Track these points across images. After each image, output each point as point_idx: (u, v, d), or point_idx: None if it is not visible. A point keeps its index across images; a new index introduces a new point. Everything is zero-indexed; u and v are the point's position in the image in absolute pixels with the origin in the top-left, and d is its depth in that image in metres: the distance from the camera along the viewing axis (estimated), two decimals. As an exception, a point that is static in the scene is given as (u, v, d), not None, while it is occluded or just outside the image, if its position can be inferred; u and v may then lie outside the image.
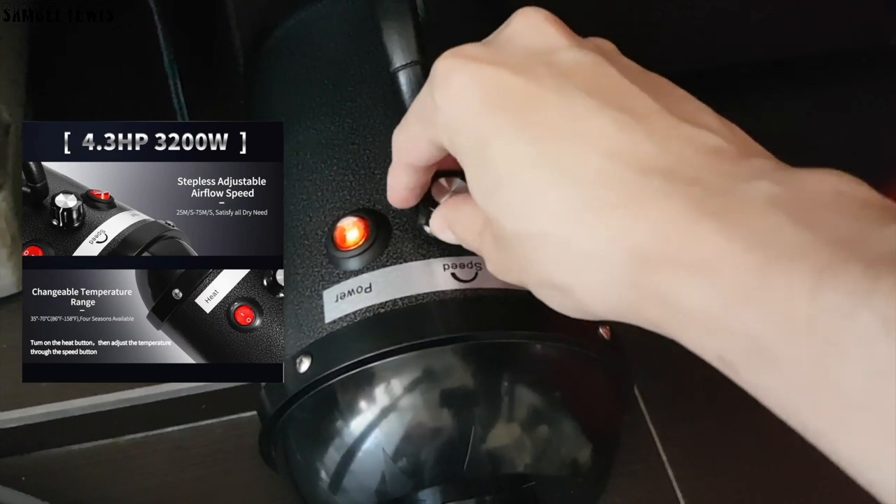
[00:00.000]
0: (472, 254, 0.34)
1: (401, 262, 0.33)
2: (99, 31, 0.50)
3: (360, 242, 0.34)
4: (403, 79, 0.34)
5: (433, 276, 0.33)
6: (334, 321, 0.33)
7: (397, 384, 0.32)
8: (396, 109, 0.34)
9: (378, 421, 0.32)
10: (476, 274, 0.33)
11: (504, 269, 0.28)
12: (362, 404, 0.32)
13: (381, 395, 0.32)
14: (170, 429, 0.46)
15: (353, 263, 0.34)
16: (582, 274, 0.23)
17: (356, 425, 0.32)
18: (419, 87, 0.34)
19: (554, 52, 0.25)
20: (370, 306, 0.33)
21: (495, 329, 0.32)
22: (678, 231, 0.20)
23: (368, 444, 0.32)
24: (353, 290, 0.33)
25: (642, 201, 0.21)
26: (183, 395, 0.45)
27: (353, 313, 0.33)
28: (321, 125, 0.38)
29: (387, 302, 0.33)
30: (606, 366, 0.35)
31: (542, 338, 0.32)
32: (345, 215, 0.35)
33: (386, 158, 0.36)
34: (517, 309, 0.33)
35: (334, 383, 0.32)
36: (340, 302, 0.33)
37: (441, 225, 0.32)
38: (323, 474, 0.34)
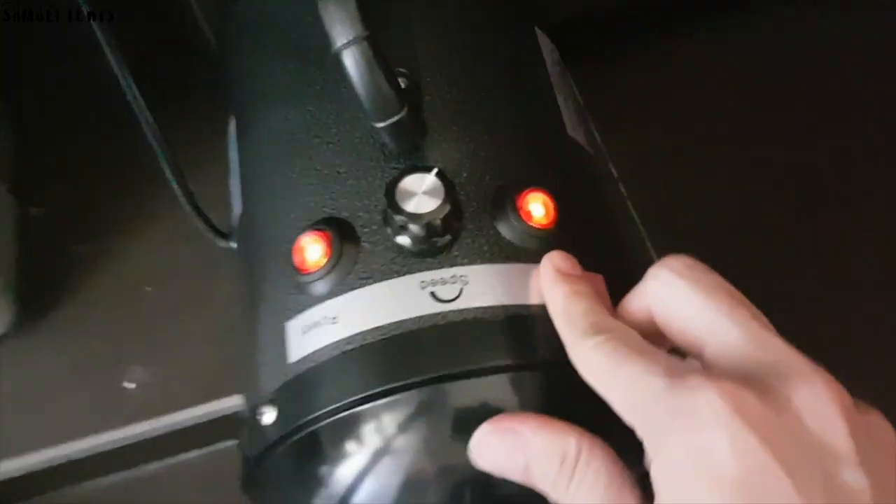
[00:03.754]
0: (454, 264, 0.27)
1: (370, 283, 0.27)
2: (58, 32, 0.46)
3: (323, 263, 0.28)
4: (349, 59, 0.27)
5: (408, 298, 0.27)
6: (299, 361, 0.28)
7: (369, 436, 0.26)
8: (349, 94, 0.28)
9: (354, 475, 0.27)
10: (460, 291, 0.27)
11: None
12: (332, 459, 0.27)
13: (352, 448, 0.26)
14: (188, 455, 0.43)
15: (318, 288, 0.28)
16: None
17: (331, 480, 0.27)
18: (368, 67, 0.27)
19: (839, 464, 0.20)
20: (336, 342, 0.27)
21: (481, 363, 0.26)
22: None
23: (344, 500, 0.27)
24: (317, 322, 0.28)
25: None
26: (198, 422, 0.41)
27: (319, 350, 0.27)
28: (282, 115, 0.32)
29: (354, 336, 0.27)
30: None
31: (537, 366, 0.26)
32: (304, 230, 0.29)
33: (352, 152, 0.30)
34: (509, 333, 0.26)
35: (300, 438, 0.27)
36: (305, 336, 0.28)
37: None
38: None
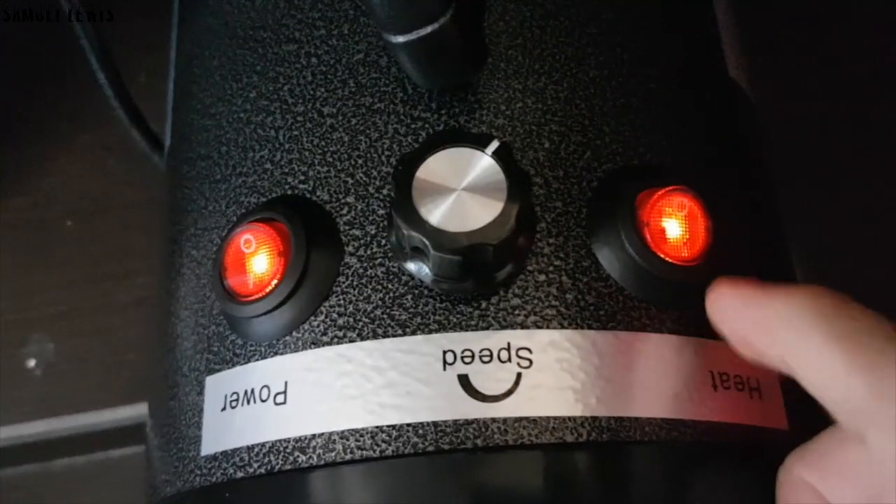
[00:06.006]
0: (508, 323, 0.15)
1: (353, 338, 0.15)
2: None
3: (271, 283, 0.15)
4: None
5: (419, 383, 0.14)
6: (215, 460, 0.16)
7: None
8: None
9: None
10: (517, 379, 0.14)
11: None
12: None
13: None
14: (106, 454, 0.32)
15: (260, 328, 0.16)
16: None
17: None
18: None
19: None
20: (281, 443, 0.15)
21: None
22: None
23: None
24: (252, 392, 0.16)
25: None
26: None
27: (246, 450, 0.15)
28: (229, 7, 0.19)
29: (312, 439, 0.15)
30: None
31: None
32: (248, 216, 0.16)
33: (349, 79, 0.17)
34: (606, 491, 0.13)
35: None
36: (230, 412, 0.16)
37: None
38: None
